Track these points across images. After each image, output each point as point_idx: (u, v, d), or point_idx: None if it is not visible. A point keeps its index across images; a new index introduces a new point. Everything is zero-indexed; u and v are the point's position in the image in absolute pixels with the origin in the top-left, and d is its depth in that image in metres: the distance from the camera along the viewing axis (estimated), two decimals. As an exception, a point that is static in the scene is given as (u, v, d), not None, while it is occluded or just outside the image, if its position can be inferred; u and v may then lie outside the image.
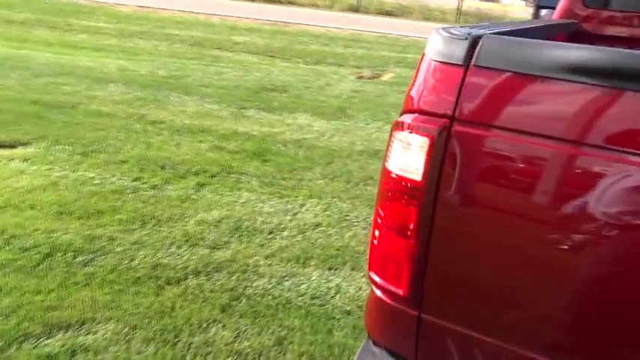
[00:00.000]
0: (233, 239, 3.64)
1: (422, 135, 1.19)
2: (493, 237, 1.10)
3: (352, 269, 3.43)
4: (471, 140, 1.14)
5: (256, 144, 5.42)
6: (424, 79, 1.18)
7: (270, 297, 3.10)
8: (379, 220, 1.28)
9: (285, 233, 3.78)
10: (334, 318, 2.97)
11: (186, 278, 3.19)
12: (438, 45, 1.15)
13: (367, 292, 3.23)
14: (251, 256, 3.48)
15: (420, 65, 1.24)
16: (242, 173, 4.72)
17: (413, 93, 1.22)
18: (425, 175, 1.18)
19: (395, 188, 1.22)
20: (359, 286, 3.25)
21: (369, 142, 5.82)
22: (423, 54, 1.23)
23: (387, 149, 1.24)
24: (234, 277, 3.22)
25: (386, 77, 9.65)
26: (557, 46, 1.05)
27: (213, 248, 3.52)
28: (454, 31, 1.16)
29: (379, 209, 1.27)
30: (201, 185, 4.43)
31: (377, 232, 1.29)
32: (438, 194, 1.15)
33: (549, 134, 1.02)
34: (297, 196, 4.36)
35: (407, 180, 1.20)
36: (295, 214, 4.08)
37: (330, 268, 3.42)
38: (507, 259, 1.08)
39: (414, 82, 1.23)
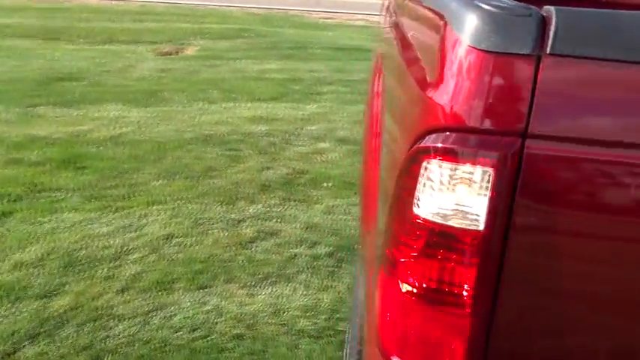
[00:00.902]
0: (69, 279, 2.92)
1: (481, 164, 0.82)
2: (591, 291, 0.80)
3: (226, 282, 2.98)
4: (554, 164, 0.81)
5: (63, 149, 4.53)
6: (465, 77, 0.81)
7: (140, 343, 2.53)
8: (398, 285, 0.90)
9: (134, 256, 3.17)
10: (225, 349, 2.53)
11: (19, 348, 2.47)
12: (483, 26, 0.78)
13: (252, 305, 2.84)
14: (99, 295, 2.83)
15: (444, 55, 0.86)
16: (55, 189, 3.87)
17: (444, 99, 0.85)
18: (489, 221, 0.83)
19: (434, 242, 0.85)
20: (241, 301, 2.83)
21: (197, 127, 5.26)
22: (444, 37, 0.85)
23: (402, 184, 0.86)
24: (85, 330, 2.57)
25: (190, 51, 8.96)
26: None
27: (46, 297, 2.78)
28: (506, 5, 0.80)
29: (394, 268, 0.89)
30: (4, 215, 3.55)
31: (392, 300, 0.92)
32: (506, 247, 0.81)
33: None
34: (134, 207, 3.70)
35: (456, 231, 0.83)
36: (139, 228, 3.46)
37: (201, 287, 2.93)
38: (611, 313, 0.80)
39: (441, 81, 0.85)
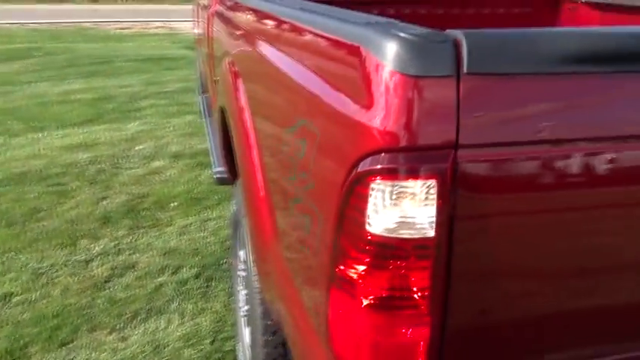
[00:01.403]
0: None
1: (426, 177, 0.90)
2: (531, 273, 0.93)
3: (91, 331, 2.77)
4: (485, 167, 0.91)
5: None
6: (395, 101, 0.88)
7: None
8: (356, 299, 0.96)
9: (-32, 328, 2.82)
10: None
11: None
12: (406, 53, 0.87)
13: (127, 349, 2.69)
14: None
15: (370, 82, 0.92)
16: None
17: (379, 122, 0.91)
18: (437, 228, 0.92)
19: (389, 254, 0.92)
20: (113, 348, 2.65)
21: (5, 166, 4.74)
22: (366, 64, 0.92)
23: (350, 205, 0.92)
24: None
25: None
26: (560, 35, 0.90)
27: None
28: (422, 32, 0.89)
29: (349, 284, 0.95)
30: None
31: (349, 315, 0.98)
32: (452, 248, 0.92)
33: (580, 137, 0.90)
34: (-50, 270, 3.30)
35: (409, 241, 0.91)
36: (-35, 295, 3.08)
37: (62, 344, 2.67)
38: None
39: (371, 105, 0.92)
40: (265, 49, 1.50)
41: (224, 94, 2.06)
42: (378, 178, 0.91)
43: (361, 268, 0.96)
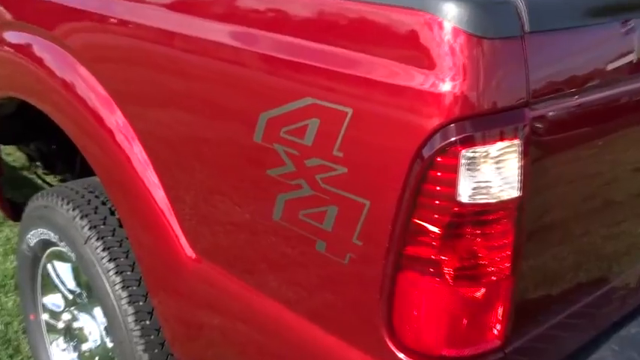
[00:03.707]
0: None
1: (509, 138, 0.95)
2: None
3: None
4: (554, 121, 1.01)
5: None
6: (469, 65, 0.91)
7: None
8: (429, 281, 0.98)
9: None
10: None
11: None
12: (477, 15, 0.91)
13: None
14: None
15: (437, 47, 0.93)
16: None
17: (452, 89, 0.92)
18: (522, 186, 0.98)
19: (473, 221, 0.97)
20: None
21: None
22: (431, 30, 0.91)
23: (426, 183, 0.94)
24: None
25: None
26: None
27: None
28: None
29: (414, 270, 0.99)
30: None
31: (421, 303, 0.99)
32: (530, 203, 1.01)
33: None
34: None
35: (494, 205, 0.96)
36: None
37: None
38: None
39: (442, 73, 0.93)
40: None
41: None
42: (461, 146, 0.95)
43: (443, 242, 1.00)
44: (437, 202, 1.01)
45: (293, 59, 1.15)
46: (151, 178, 1.50)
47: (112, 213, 1.76)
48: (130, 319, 1.65)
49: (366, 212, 1.07)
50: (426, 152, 0.99)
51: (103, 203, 1.78)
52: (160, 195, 1.49)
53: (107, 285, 1.67)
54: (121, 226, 1.73)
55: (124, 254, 1.69)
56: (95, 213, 1.76)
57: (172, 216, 1.46)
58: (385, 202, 1.05)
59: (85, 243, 1.72)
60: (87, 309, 1.91)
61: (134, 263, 1.69)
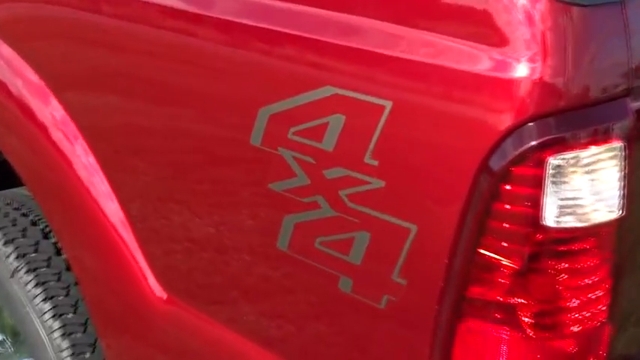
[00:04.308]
0: None
1: (614, 139, 0.75)
2: None
3: None
4: None
5: None
6: (565, 43, 0.70)
7: None
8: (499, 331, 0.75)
9: None
10: None
11: None
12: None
13: None
14: None
15: (516, 21, 0.70)
16: None
17: (538, 75, 0.70)
18: (624, 204, 0.77)
19: (557, 251, 0.75)
20: None
21: None
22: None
23: (497, 202, 0.71)
24: None
25: None
26: None
27: None
28: None
29: (479, 317, 0.76)
30: None
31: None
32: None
33: None
34: None
35: (583, 230, 0.75)
36: None
37: None
38: None
39: (524, 54, 0.70)
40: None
41: None
42: (545, 151, 0.73)
43: (519, 280, 0.77)
44: (512, 226, 0.78)
45: (306, 35, 0.90)
46: (99, 188, 1.22)
47: (47, 236, 1.47)
48: (74, 374, 1.36)
49: (412, 240, 0.83)
50: (497, 161, 0.76)
51: (34, 223, 1.48)
52: (113, 211, 1.21)
53: (42, 331, 1.37)
54: (58, 253, 1.45)
55: (63, 290, 1.40)
56: (23, 237, 1.46)
57: (133, 242, 1.18)
58: (439, 226, 0.80)
59: (12, 277, 1.42)
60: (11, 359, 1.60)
61: (77, 302, 1.40)
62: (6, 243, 1.42)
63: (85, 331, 1.36)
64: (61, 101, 1.25)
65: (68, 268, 1.41)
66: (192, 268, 1.10)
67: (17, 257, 1.40)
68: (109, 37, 1.12)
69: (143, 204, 1.15)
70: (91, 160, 1.21)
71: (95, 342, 1.36)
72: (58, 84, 1.25)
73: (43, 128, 1.28)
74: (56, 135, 1.26)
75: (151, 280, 1.16)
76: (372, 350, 0.91)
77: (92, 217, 1.22)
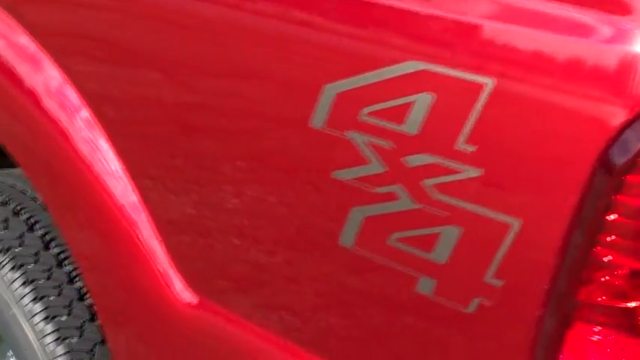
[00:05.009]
0: None
1: None
2: None
3: None
4: None
5: None
6: None
7: None
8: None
9: None
10: None
11: None
12: None
13: None
14: None
15: None
16: None
17: None
18: None
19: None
20: None
21: None
22: None
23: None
24: None
25: None
26: None
27: None
28: None
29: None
30: None
31: None
32: None
33: None
34: None
35: None
36: None
37: None
38: None
39: None
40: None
41: None
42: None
43: (638, 279, 0.71)
44: (633, 222, 0.72)
45: (386, 1, 0.81)
46: (107, 167, 1.08)
47: (32, 228, 1.33)
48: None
49: (513, 236, 0.75)
50: (620, 150, 0.69)
51: (16, 213, 1.34)
52: (123, 194, 1.08)
53: (31, 337, 1.24)
54: (47, 247, 1.31)
55: (55, 290, 1.27)
56: (5, 228, 1.32)
57: (152, 236, 1.07)
58: (547, 222, 0.72)
59: (-6, 274, 1.28)
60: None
61: (71, 303, 1.27)
62: (-15, 237, 1.28)
63: (80, 337, 1.23)
64: (60, 65, 1.11)
65: (59, 264, 1.28)
66: (231, 266, 0.98)
67: (0, 252, 1.26)
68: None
69: (168, 190, 1.03)
70: (104, 145, 1.08)
71: (93, 348, 1.24)
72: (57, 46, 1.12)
73: (34, 96, 1.15)
74: (51, 104, 1.13)
75: (174, 278, 1.04)
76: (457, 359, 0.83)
77: (98, 199, 1.10)
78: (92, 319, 1.25)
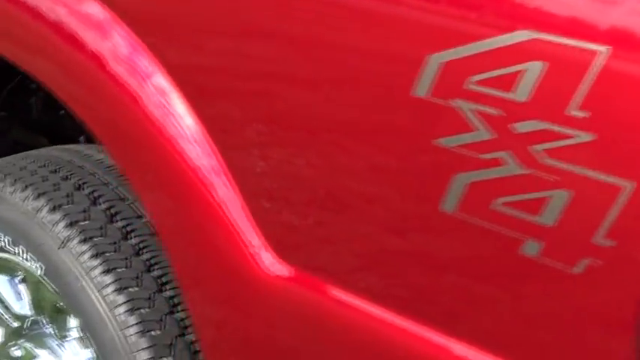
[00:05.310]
0: None
1: None
2: None
3: None
4: None
5: None
6: None
7: None
8: None
9: None
10: None
11: None
12: None
13: None
14: None
15: None
16: None
17: None
18: None
19: None
20: None
21: None
22: None
23: None
24: None
25: None
26: None
27: None
28: None
29: None
30: None
31: None
32: None
33: None
34: None
35: None
36: None
37: None
38: None
39: None
40: None
41: None
42: None
43: None
44: None
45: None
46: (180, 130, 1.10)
47: (95, 202, 1.35)
48: (144, 355, 1.26)
49: (625, 199, 0.78)
50: None
51: (78, 188, 1.35)
52: (211, 165, 1.09)
53: (102, 308, 1.26)
54: (112, 221, 1.32)
55: (123, 262, 1.29)
56: (71, 203, 1.33)
57: (238, 204, 1.08)
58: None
59: (62, 246, 1.30)
60: (48, 342, 1.46)
61: (140, 275, 1.29)
62: (53, 209, 1.29)
63: (151, 307, 1.26)
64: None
65: (125, 237, 1.30)
66: (328, 235, 1.01)
67: (68, 225, 1.27)
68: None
69: (258, 154, 1.04)
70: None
71: (163, 318, 1.26)
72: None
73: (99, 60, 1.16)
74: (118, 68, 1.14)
75: (260, 247, 1.06)
76: (564, 322, 0.86)
77: (179, 164, 1.11)
78: (160, 290, 1.29)
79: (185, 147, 1.12)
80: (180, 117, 1.12)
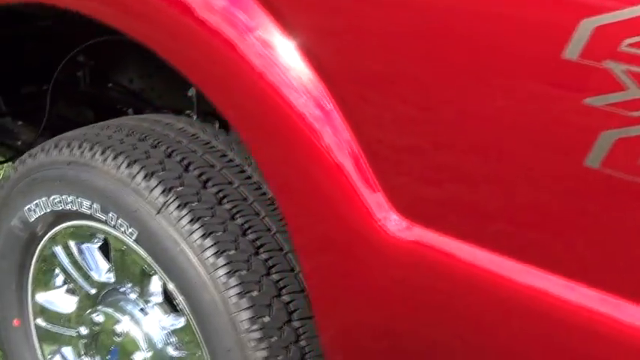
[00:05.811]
0: None
1: None
2: None
3: None
4: None
5: None
6: None
7: None
8: None
9: None
10: None
11: None
12: None
13: None
14: None
15: None
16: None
17: None
18: None
19: None
20: None
21: None
22: None
23: None
24: None
25: None
26: None
27: None
28: None
29: None
30: None
31: None
32: None
33: None
34: None
35: None
36: None
37: None
38: None
39: None
40: None
41: None
42: None
43: None
44: None
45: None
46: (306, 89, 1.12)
47: (187, 169, 1.35)
48: (244, 315, 1.29)
49: None
50: None
51: (169, 155, 1.36)
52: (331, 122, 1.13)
53: (202, 271, 1.29)
54: (205, 187, 1.34)
55: (220, 226, 1.31)
56: (164, 169, 1.34)
57: (358, 160, 1.11)
58: None
59: (159, 212, 1.31)
60: (128, 307, 1.47)
61: (237, 239, 1.31)
62: (147, 176, 1.30)
63: (249, 270, 1.29)
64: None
65: (219, 202, 1.33)
66: (460, 190, 1.05)
67: (164, 191, 1.29)
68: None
69: (384, 107, 1.09)
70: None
71: (261, 279, 1.30)
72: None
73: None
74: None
75: (382, 204, 1.10)
76: None
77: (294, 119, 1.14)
78: (257, 252, 1.32)
79: (303, 104, 1.15)
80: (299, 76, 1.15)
